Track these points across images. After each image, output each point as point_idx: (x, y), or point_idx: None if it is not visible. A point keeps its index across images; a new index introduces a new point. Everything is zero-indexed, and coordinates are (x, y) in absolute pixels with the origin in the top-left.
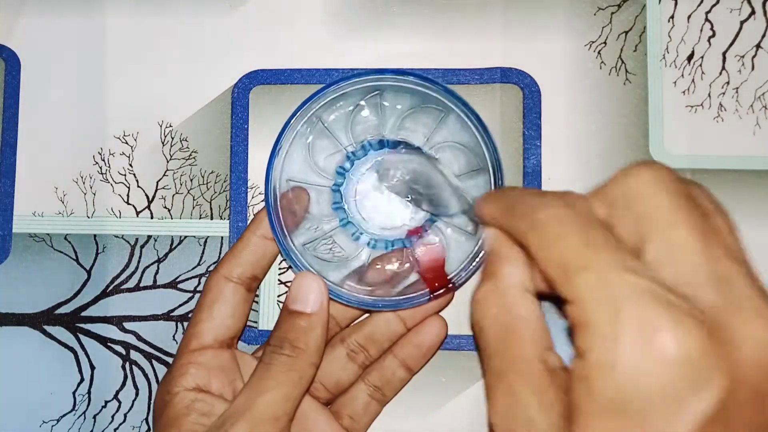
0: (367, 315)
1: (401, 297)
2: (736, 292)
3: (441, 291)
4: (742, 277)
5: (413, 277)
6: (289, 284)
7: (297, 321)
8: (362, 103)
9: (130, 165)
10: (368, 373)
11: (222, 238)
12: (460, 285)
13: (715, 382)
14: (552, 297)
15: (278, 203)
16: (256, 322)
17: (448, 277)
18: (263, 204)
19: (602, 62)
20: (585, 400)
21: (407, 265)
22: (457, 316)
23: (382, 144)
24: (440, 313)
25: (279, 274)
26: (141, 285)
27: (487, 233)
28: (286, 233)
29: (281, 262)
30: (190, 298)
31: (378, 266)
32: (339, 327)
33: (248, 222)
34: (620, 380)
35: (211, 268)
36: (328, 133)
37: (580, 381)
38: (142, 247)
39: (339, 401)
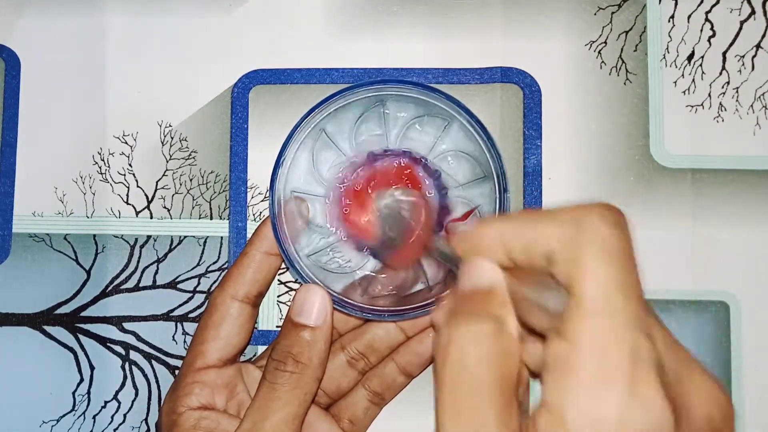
0: (366, 322)
1: (407, 307)
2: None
3: None
4: (662, 331)
5: (418, 286)
6: (288, 284)
7: (301, 334)
8: (365, 113)
9: (130, 165)
10: (368, 378)
11: (222, 238)
12: None
13: None
14: None
15: (283, 214)
16: (256, 322)
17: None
18: (263, 207)
19: (603, 62)
20: None
21: (413, 274)
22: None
23: (386, 154)
24: None
25: (279, 275)
26: (140, 285)
27: (480, 266)
28: (291, 244)
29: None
30: (190, 299)
31: (384, 276)
32: (338, 333)
33: (246, 222)
34: None
35: (211, 268)
36: (332, 144)
37: None
38: (141, 247)
39: (339, 405)
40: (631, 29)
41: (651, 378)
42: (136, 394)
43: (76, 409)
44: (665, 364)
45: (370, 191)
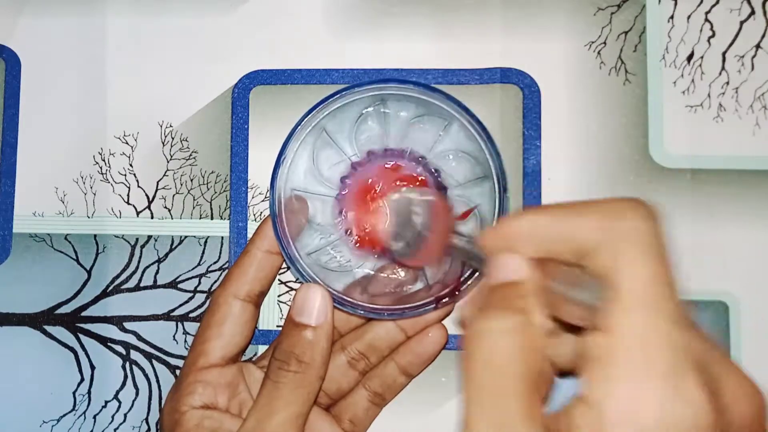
0: (366, 322)
1: (407, 306)
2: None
3: (447, 299)
4: (697, 328)
5: (417, 285)
6: (289, 284)
7: (302, 334)
8: (366, 112)
9: (131, 165)
10: (369, 378)
11: (222, 238)
12: (466, 293)
13: None
14: None
15: (283, 213)
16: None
17: (454, 286)
18: (264, 207)
19: (602, 62)
20: None
21: (412, 273)
22: (456, 317)
23: (386, 153)
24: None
25: (279, 275)
26: (141, 285)
27: (506, 261)
28: (292, 243)
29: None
30: (191, 298)
31: (383, 275)
32: (339, 334)
33: (247, 221)
34: None
35: (212, 268)
36: (332, 143)
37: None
38: (142, 247)
39: (340, 405)
40: (630, 30)
41: (692, 373)
42: (137, 394)
43: (76, 408)
44: (703, 360)
45: (375, 195)
